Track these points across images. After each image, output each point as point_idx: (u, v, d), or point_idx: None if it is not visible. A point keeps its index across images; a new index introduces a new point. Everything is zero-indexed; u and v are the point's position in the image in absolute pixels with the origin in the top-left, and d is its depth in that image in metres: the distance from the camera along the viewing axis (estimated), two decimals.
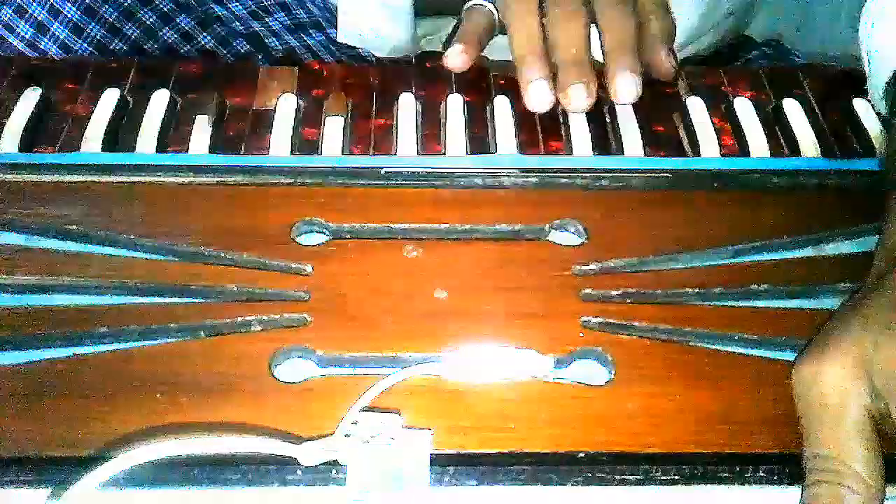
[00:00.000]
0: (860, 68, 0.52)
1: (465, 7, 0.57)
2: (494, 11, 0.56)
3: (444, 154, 0.51)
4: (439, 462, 0.37)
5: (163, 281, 0.43)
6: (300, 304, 0.43)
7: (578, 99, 0.52)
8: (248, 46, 0.69)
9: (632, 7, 0.54)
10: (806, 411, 0.37)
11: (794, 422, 0.38)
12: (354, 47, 0.67)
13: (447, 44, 0.56)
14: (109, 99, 0.53)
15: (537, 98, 0.52)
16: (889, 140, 0.49)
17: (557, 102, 0.53)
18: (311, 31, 0.68)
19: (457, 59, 0.55)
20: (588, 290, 0.44)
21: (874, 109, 0.53)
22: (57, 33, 0.64)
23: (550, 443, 0.38)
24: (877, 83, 0.50)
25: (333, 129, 0.52)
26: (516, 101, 0.54)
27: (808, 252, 0.46)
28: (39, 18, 0.64)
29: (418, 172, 0.49)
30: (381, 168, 0.49)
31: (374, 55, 0.67)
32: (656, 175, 0.50)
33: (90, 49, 0.65)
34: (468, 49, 0.55)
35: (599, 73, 0.54)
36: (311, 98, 0.55)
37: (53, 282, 0.43)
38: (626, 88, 0.53)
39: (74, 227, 0.45)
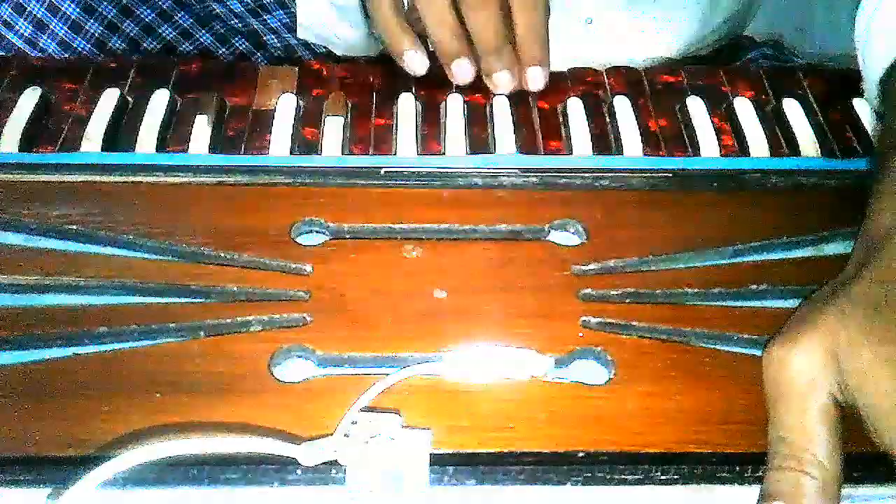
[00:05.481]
0: (860, 68, 0.52)
1: None
2: None
3: (444, 154, 0.51)
4: (439, 462, 0.37)
5: (163, 281, 0.43)
6: (300, 304, 0.43)
7: (503, 85, 0.54)
8: (247, 44, 0.69)
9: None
10: (773, 394, 0.38)
11: None
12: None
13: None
14: (109, 99, 0.53)
15: (460, 74, 0.54)
16: (881, 134, 0.49)
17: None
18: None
19: (418, 62, 0.55)
20: (588, 290, 0.44)
21: (870, 105, 0.53)
22: (56, 30, 0.64)
23: (550, 442, 0.38)
24: (871, 79, 0.50)
25: (333, 129, 0.52)
26: (516, 100, 0.54)
27: (808, 252, 0.46)
28: (38, 16, 0.64)
29: (418, 172, 0.49)
30: (381, 168, 0.49)
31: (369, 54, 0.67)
32: (656, 175, 0.50)
33: (89, 46, 0.65)
34: (418, 48, 0.55)
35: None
36: (311, 98, 0.55)
37: (53, 282, 0.43)
38: (536, 79, 0.54)
39: (74, 227, 0.45)
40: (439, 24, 0.53)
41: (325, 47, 0.69)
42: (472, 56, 0.54)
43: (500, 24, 0.53)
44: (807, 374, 0.37)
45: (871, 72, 0.49)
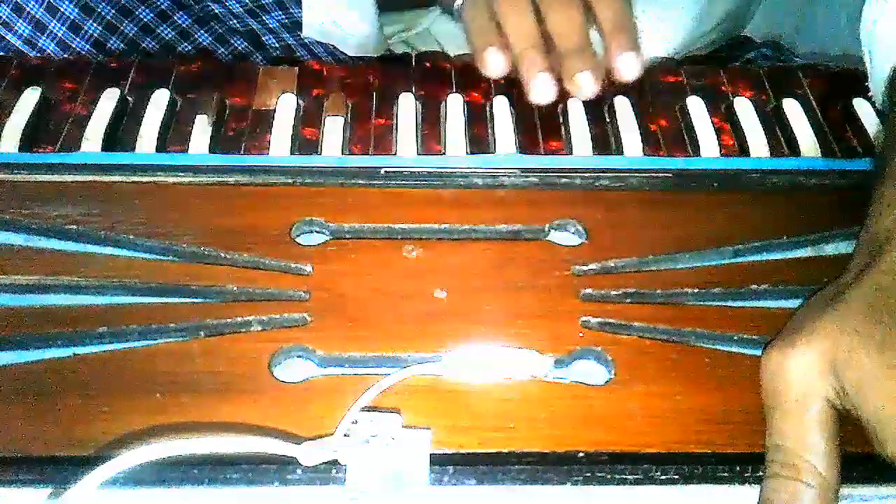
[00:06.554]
0: (860, 68, 0.52)
1: (456, 6, 0.55)
2: None
3: (444, 154, 0.51)
4: (439, 462, 0.37)
5: (163, 281, 0.43)
6: (300, 304, 0.43)
7: (587, 86, 0.50)
8: (246, 44, 0.69)
9: None
10: (770, 400, 0.38)
11: None
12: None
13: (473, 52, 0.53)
14: (109, 99, 0.53)
15: (542, 91, 0.51)
16: (884, 134, 0.49)
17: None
18: None
19: (499, 63, 0.51)
20: (588, 290, 0.44)
21: (874, 105, 0.53)
22: (55, 31, 0.64)
23: (550, 442, 0.38)
24: (878, 78, 0.50)
25: (333, 129, 0.52)
26: (516, 100, 0.54)
27: (808, 252, 0.46)
28: (37, 16, 0.64)
29: (418, 172, 0.49)
30: (381, 168, 0.49)
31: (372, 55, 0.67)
32: (656, 175, 0.50)
33: (88, 46, 0.65)
34: (503, 50, 0.51)
35: None
36: (311, 98, 0.55)
37: (53, 282, 0.43)
38: (628, 67, 0.51)
39: (74, 227, 0.45)
40: (520, 29, 0.51)
41: (325, 48, 0.68)
42: (552, 69, 0.50)
43: (584, 23, 0.51)
44: (804, 380, 0.37)
45: (878, 70, 0.49)
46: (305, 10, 0.65)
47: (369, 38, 0.65)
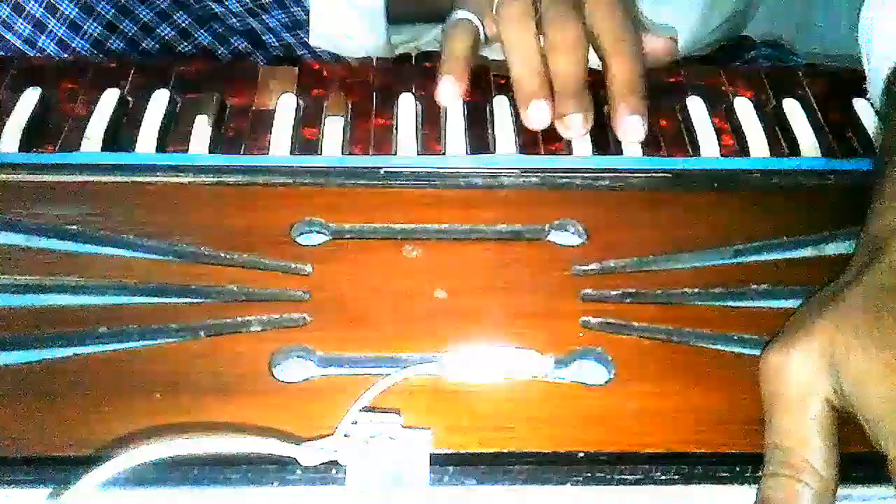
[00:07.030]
0: (860, 68, 0.52)
1: (449, 21, 0.56)
2: (480, 26, 0.56)
3: (444, 154, 0.51)
4: (439, 462, 0.37)
5: (163, 281, 0.43)
6: (300, 304, 0.43)
7: (576, 128, 0.52)
8: (246, 44, 0.69)
9: (636, 40, 0.54)
10: (770, 400, 0.38)
11: None
12: None
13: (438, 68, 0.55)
14: (109, 99, 0.53)
15: (536, 118, 0.52)
16: (883, 134, 0.49)
17: None
18: (307, 28, 0.68)
19: (449, 93, 0.54)
20: (588, 290, 0.44)
21: (873, 106, 0.53)
22: (55, 30, 0.64)
23: (550, 443, 0.38)
24: (876, 79, 0.50)
25: (333, 129, 0.52)
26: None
27: (808, 252, 0.46)
28: (37, 16, 0.64)
29: (418, 172, 0.49)
30: (381, 168, 0.49)
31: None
32: (656, 175, 0.50)
33: (87, 46, 0.65)
34: (460, 82, 0.54)
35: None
36: (311, 98, 0.55)
37: (53, 282, 0.43)
38: (633, 130, 0.52)
39: (74, 227, 0.45)
40: (524, 62, 0.52)
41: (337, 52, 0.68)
42: (550, 99, 0.52)
43: (585, 69, 0.52)
44: (803, 379, 0.37)
45: (876, 71, 0.49)
46: (314, 20, 0.65)
47: (377, 49, 0.65)
